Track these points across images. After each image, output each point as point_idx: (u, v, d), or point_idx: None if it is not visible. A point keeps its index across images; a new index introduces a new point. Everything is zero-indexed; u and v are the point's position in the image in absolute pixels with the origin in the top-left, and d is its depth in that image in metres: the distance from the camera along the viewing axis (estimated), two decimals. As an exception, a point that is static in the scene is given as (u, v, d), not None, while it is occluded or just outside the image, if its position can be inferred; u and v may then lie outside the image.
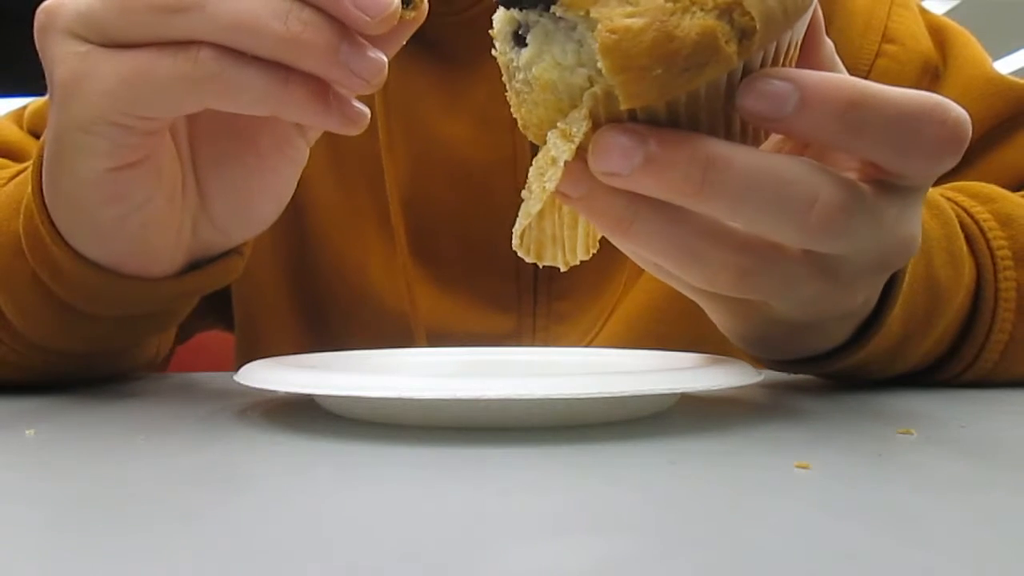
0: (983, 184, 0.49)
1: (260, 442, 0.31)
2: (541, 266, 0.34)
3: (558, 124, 0.29)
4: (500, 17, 0.30)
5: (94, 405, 0.40)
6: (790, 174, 0.28)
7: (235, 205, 0.41)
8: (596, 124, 0.28)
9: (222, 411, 0.37)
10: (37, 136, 0.59)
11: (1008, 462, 0.28)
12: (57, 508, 0.22)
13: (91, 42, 0.33)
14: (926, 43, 0.59)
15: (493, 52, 0.31)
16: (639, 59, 0.26)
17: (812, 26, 0.32)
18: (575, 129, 0.28)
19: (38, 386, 0.46)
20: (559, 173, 0.28)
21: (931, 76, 0.59)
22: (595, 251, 0.34)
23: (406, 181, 0.60)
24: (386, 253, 0.60)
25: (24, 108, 0.61)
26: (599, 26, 0.26)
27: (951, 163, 0.30)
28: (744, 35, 0.26)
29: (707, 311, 0.39)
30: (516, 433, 0.31)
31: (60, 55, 0.34)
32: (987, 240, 0.44)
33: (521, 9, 0.28)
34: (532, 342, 0.59)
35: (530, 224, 0.32)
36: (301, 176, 0.59)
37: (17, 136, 0.58)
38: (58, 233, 0.39)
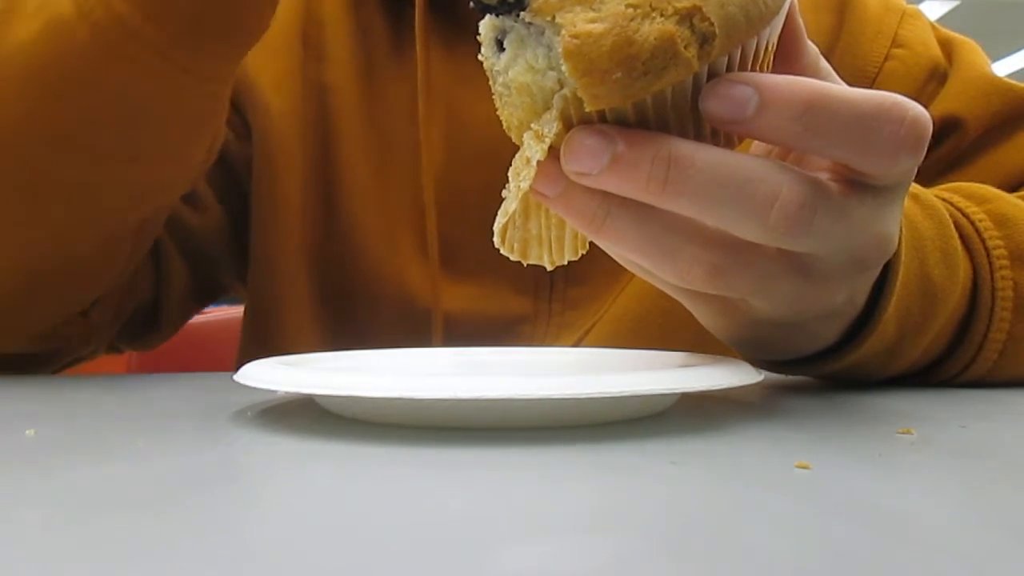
0: (978, 185, 0.49)
1: (260, 442, 0.31)
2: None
3: (531, 125, 0.30)
4: (485, 23, 0.31)
5: (94, 405, 0.40)
6: (752, 173, 0.29)
7: None
8: (569, 125, 0.29)
9: (222, 411, 0.37)
10: None
11: (1008, 462, 0.28)
12: (57, 508, 0.22)
13: None
14: (935, 50, 0.60)
15: (479, 56, 0.31)
16: (600, 63, 0.27)
17: (790, 33, 0.33)
18: (546, 130, 0.29)
19: (43, 383, 0.46)
20: (532, 173, 0.30)
21: (938, 81, 0.60)
22: (584, 252, 0.35)
23: (440, 162, 0.60)
24: (412, 234, 0.60)
25: None
26: (563, 31, 0.27)
27: (911, 162, 0.30)
28: (705, 40, 0.27)
29: (692, 311, 0.39)
30: (516, 433, 0.31)
31: None
32: (983, 240, 0.44)
33: (497, 15, 0.29)
34: (546, 327, 0.60)
35: (515, 223, 0.33)
36: (338, 155, 0.61)
37: None
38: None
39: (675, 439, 0.30)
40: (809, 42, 0.34)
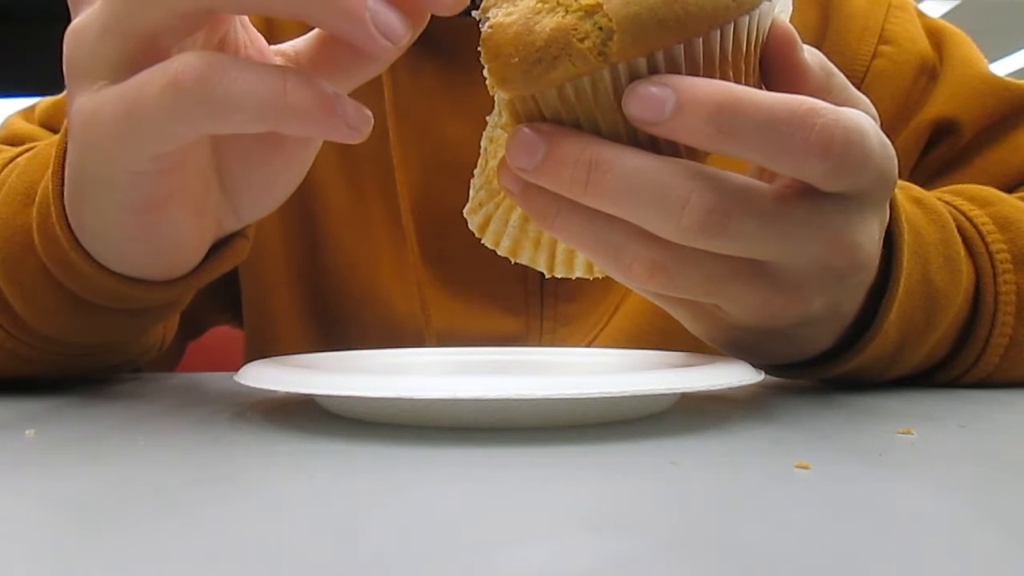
0: (981, 187, 0.49)
1: (260, 442, 0.31)
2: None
3: (486, 118, 0.33)
4: None
5: (94, 405, 0.40)
6: (666, 177, 0.30)
7: (260, 196, 0.40)
8: (519, 121, 0.31)
9: (222, 411, 0.37)
10: (51, 128, 0.58)
11: (1008, 462, 0.28)
12: (57, 508, 0.23)
13: (103, 78, 0.32)
14: (923, 44, 0.60)
15: None
16: (503, 48, 0.29)
17: (784, 50, 0.32)
18: (491, 120, 0.33)
19: (43, 384, 0.46)
20: (483, 161, 0.33)
21: (928, 76, 0.59)
22: (602, 276, 0.35)
23: (417, 183, 0.60)
24: (396, 256, 0.60)
25: (33, 107, 0.60)
26: (487, 23, 0.30)
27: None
28: (608, 38, 0.29)
29: (672, 314, 0.39)
30: (516, 433, 0.31)
31: (73, 94, 0.33)
32: (986, 244, 0.44)
33: (471, 14, 0.31)
34: (539, 344, 0.59)
35: (508, 220, 0.35)
36: (313, 181, 0.60)
37: (26, 128, 0.57)
38: (78, 243, 0.38)
39: (675, 439, 0.30)
40: (814, 64, 0.33)
